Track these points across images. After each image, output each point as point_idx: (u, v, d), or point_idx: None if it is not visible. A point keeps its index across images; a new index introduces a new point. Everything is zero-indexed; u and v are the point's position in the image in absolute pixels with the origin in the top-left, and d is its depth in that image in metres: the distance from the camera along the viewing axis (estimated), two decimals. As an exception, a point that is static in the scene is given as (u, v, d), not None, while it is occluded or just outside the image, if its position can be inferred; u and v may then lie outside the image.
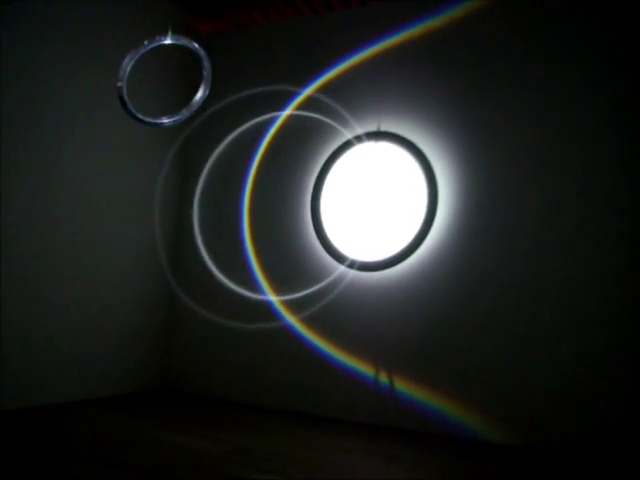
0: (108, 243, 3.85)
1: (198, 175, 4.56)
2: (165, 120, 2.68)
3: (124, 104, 2.69)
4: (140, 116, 2.67)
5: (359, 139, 3.95)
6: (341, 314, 3.84)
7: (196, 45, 2.61)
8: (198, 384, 4.29)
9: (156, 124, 2.69)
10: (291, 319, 3.98)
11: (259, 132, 4.35)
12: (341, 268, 3.87)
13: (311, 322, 3.92)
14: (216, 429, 3.17)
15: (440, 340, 3.53)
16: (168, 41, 2.65)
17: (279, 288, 4.09)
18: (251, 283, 4.17)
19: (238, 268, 4.25)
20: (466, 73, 3.71)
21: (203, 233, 4.51)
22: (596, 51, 3.39)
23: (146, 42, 2.70)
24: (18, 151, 3.19)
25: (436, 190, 3.68)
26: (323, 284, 3.91)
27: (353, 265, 3.82)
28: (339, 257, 3.89)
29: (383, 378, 3.61)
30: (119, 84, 2.60)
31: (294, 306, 4.00)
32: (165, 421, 3.29)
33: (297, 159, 4.20)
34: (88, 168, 3.67)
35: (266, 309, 4.08)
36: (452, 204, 3.64)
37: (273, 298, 4.07)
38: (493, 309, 3.42)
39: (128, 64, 2.70)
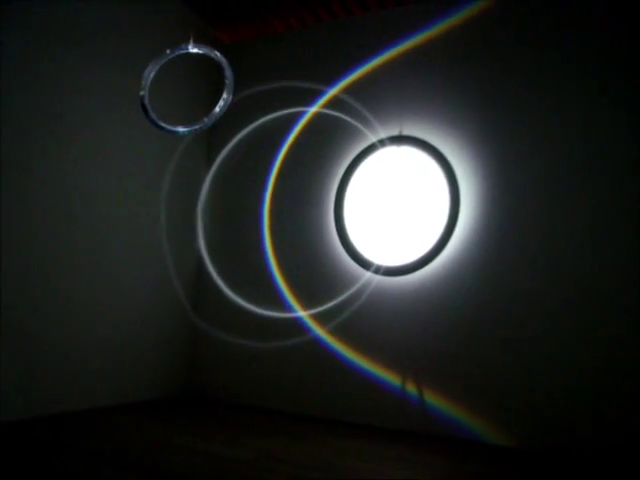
0: (136, 254, 3.88)
1: (219, 180, 4.60)
2: (185, 129, 2.68)
3: (146, 112, 2.71)
4: (162, 124, 2.68)
5: (382, 143, 3.93)
6: (366, 320, 3.80)
7: (218, 54, 2.62)
8: (223, 391, 4.28)
9: (178, 133, 2.70)
10: (319, 331, 3.95)
11: (280, 135, 4.35)
12: (367, 274, 3.84)
13: (337, 330, 3.90)
14: (241, 435, 3.15)
15: (464, 343, 3.49)
16: (190, 50, 2.67)
17: (306, 302, 4.05)
18: (276, 298, 4.14)
19: (259, 278, 4.24)
20: (487, 76, 3.67)
21: (226, 244, 4.53)
22: (616, 53, 3.34)
23: (168, 51, 2.72)
24: (36, 159, 3.22)
25: (458, 194, 3.66)
26: (350, 293, 3.87)
27: (378, 270, 3.79)
28: (364, 263, 3.86)
29: (411, 387, 3.57)
30: (141, 93, 2.62)
31: (321, 318, 3.96)
32: (190, 427, 3.28)
33: (320, 160, 4.18)
34: (105, 174, 3.70)
35: (293, 324, 4.05)
36: (474, 207, 3.61)
37: (301, 313, 4.03)
38: (514, 311, 3.38)
39: (150, 73, 2.72)
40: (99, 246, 3.60)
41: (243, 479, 2.32)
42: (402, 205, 3.83)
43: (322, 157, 4.18)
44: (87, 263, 3.52)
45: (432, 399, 3.52)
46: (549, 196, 3.41)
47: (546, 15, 3.57)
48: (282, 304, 4.11)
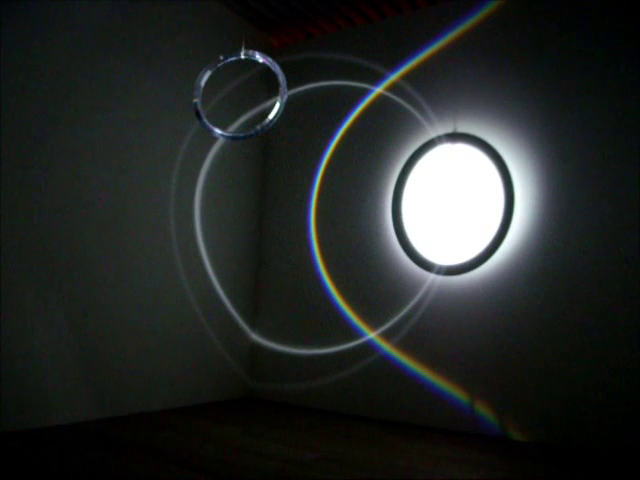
0: (193, 257, 3.95)
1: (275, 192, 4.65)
2: (240, 135, 2.71)
3: (199, 118, 2.74)
4: (216, 130, 2.70)
5: (440, 139, 3.83)
6: (432, 325, 3.74)
7: (270, 60, 2.62)
8: (284, 393, 4.29)
9: (232, 138, 2.72)
10: (386, 347, 3.87)
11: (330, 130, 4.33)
12: (430, 276, 3.75)
13: (403, 343, 3.83)
14: (303, 437, 3.18)
15: (529, 343, 3.40)
16: (242, 57, 2.68)
17: (372, 320, 3.97)
18: (342, 324, 4.09)
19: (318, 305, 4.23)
20: (548, 72, 3.53)
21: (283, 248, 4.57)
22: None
23: (221, 57, 2.74)
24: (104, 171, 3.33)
25: (512, 191, 3.57)
26: (416, 299, 3.78)
27: (440, 271, 3.70)
28: (425, 264, 3.78)
29: (479, 408, 3.49)
30: (195, 100, 2.65)
31: (389, 333, 3.88)
32: (252, 429, 3.32)
33: (374, 155, 4.14)
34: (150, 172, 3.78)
35: (362, 346, 3.99)
36: (529, 203, 3.52)
37: (371, 335, 3.94)
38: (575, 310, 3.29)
39: (203, 79, 2.76)
40: (162, 254, 3.70)
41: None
42: (457, 202, 3.74)
43: (375, 153, 4.14)
44: (154, 274, 3.63)
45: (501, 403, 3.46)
46: (608, 197, 3.27)
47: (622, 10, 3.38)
48: (349, 330, 4.04)
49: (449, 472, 2.64)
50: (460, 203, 3.73)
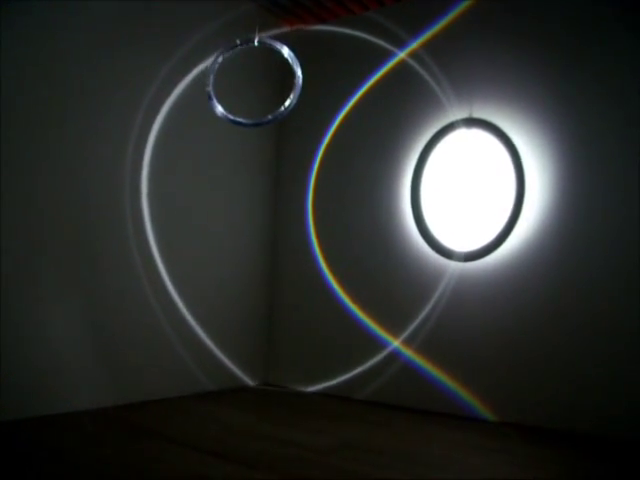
0: (208, 247, 4.01)
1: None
2: (250, 121, 2.70)
3: (211, 102, 2.72)
4: (229, 116, 2.69)
5: (458, 124, 3.77)
6: (446, 321, 3.72)
7: (285, 48, 2.59)
8: (300, 380, 4.31)
9: (243, 124, 2.70)
10: (409, 353, 3.83)
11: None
12: (451, 264, 3.68)
13: (423, 345, 3.79)
14: (321, 423, 3.20)
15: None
16: (256, 43, 2.65)
17: (393, 325, 3.92)
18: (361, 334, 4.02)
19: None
20: (567, 56, 3.47)
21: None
22: None
23: (238, 41, 2.71)
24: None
25: (523, 176, 3.53)
26: (440, 290, 3.72)
27: (460, 258, 3.64)
28: (446, 253, 3.70)
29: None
30: (207, 89, 2.63)
31: (413, 333, 3.83)
32: (269, 415, 3.35)
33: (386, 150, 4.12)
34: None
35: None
36: (544, 186, 3.48)
37: (395, 343, 3.87)
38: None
39: (215, 64, 2.74)
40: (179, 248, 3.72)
41: (323, 467, 2.36)
42: (471, 189, 3.70)
43: (389, 141, 4.11)
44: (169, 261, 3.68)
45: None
46: (624, 185, 3.23)
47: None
48: (372, 344, 3.96)
49: (458, 456, 2.67)
50: (475, 189, 3.69)
